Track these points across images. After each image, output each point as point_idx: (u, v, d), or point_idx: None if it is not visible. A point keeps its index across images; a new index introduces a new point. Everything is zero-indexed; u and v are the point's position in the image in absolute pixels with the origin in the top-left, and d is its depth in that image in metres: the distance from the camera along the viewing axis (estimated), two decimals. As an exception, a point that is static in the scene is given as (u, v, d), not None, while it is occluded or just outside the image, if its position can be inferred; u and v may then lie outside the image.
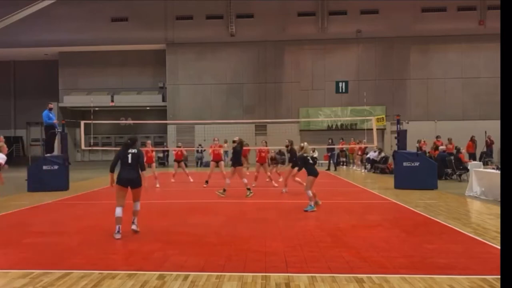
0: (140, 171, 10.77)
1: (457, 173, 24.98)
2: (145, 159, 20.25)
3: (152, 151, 24.79)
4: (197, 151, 42.50)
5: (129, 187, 10.83)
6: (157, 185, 22.65)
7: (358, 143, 36.32)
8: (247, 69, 45.55)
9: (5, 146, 14.61)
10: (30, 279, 7.52)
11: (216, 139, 24.13)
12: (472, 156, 34.12)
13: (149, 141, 26.79)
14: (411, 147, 23.80)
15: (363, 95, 41.64)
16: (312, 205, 14.32)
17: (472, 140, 35.51)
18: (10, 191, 21.27)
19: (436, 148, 28.19)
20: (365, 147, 36.02)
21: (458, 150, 26.03)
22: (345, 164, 38.97)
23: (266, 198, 17.95)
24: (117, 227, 10.53)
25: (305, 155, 15.05)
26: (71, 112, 48.90)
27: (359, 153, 36.50)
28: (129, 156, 10.68)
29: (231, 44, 45.83)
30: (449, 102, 43.88)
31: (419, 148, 29.10)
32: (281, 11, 45.17)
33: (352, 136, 40.51)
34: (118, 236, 10.46)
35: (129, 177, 10.65)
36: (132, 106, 49.24)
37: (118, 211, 10.59)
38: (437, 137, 31.89)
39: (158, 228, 11.90)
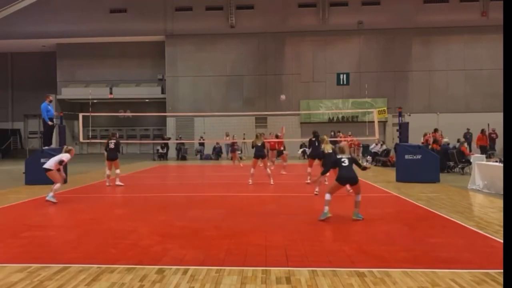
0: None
1: (459, 166, 24.99)
2: None
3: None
4: (199, 144, 42.57)
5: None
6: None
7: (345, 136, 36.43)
8: (247, 61, 45.55)
9: None
10: (28, 273, 7.50)
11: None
12: (484, 150, 33.94)
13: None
14: (413, 139, 23.77)
15: (365, 87, 41.73)
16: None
17: (483, 132, 35.34)
18: (7, 184, 21.29)
19: (435, 141, 28.10)
20: (357, 141, 36.22)
21: (462, 143, 26.01)
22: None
23: (267, 192, 17.94)
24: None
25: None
26: (70, 104, 49.10)
27: (351, 146, 36.64)
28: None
29: (231, 36, 45.85)
30: (451, 94, 43.97)
31: (426, 141, 28.92)
32: (281, 2, 45.22)
33: (354, 128, 40.51)
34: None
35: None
36: (131, 98, 49.31)
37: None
38: (435, 130, 31.87)
39: (157, 221, 11.90)
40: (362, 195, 14.37)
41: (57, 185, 15.46)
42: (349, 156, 12.25)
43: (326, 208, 11.72)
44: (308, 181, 19.84)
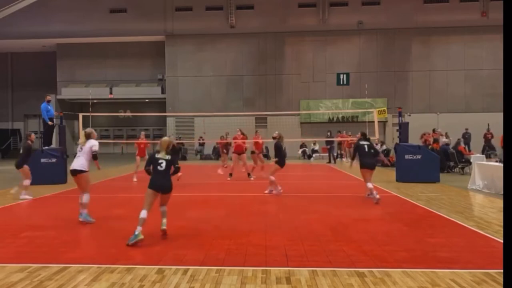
0: None
1: (459, 166, 24.98)
2: (137, 152, 19.24)
3: (147, 144, 24.52)
4: (199, 143, 42.59)
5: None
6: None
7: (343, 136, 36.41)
8: (247, 61, 45.46)
9: None
10: (28, 273, 7.53)
11: (238, 130, 24.17)
12: None
13: (143, 133, 25.82)
14: (413, 139, 23.78)
15: (365, 87, 41.64)
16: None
17: None
18: (7, 184, 21.28)
19: (435, 141, 28.09)
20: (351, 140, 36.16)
21: (459, 143, 26.00)
22: (342, 156, 38.58)
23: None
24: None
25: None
26: (70, 104, 49.00)
27: (350, 146, 36.55)
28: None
29: (231, 36, 45.78)
30: (451, 95, 43.90)
31: (425, 142, 28.93)
32: (281, 2, 45.12)
33: (354, 128, 40.43)
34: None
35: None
36: (131, 98, 49.28)
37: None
38: (434, 130, 31.91)
39: (157, 221, 11.91)
40: (363, 195, 14.34)
41: (87, 196, 12.05)
42: (168, 158, 10.12)
43: (139, 229, 9.48)
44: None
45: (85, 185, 12.16)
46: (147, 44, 48.52)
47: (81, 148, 12.22)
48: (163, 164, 10.02)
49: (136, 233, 9.33)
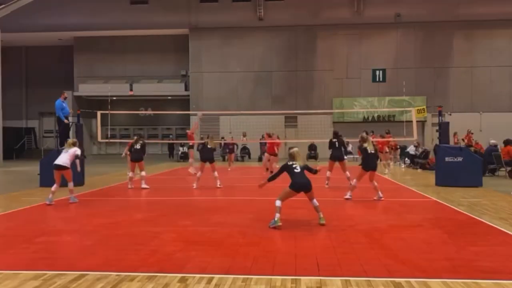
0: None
1: (508, 170, 24.64)
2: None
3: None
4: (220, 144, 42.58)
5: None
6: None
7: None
8: (277, 56, 45.35)
9: None
10: (42, 281, 7.55)
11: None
12: None
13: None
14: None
15: (402, 84, 41.45)
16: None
17: None
18: (21, 186, 21.46)
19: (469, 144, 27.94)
20: (394, 143, 35.68)
21: (508, 143, 25.76)
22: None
23: (296, 196, 17.86)
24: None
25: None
26: (87, 101, 49.27)
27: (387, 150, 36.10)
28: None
29: (259, 29, 45.76)
30: (495, 92, 43.47)
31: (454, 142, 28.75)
32: (313, -7, 44.94)
33: (390, 129, 40.18)
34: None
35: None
36: (153, 95, 49.46)
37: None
38: (468, 131, 31.78)
39: (180, 226, 11.93)
40: (399, 199, 14.25)
41: (71, 184, 16.61)
42: (301, 164, 12.35)
43: (277, 216, 11.64)
44: (327, 185, 19.85)
45: (70, 177, 16.43)
46: (170, 38, 48.67)
47: (67, 151, 16.62)
48: (298, 168, 12.18)
49: (276, 219, 11.56)
